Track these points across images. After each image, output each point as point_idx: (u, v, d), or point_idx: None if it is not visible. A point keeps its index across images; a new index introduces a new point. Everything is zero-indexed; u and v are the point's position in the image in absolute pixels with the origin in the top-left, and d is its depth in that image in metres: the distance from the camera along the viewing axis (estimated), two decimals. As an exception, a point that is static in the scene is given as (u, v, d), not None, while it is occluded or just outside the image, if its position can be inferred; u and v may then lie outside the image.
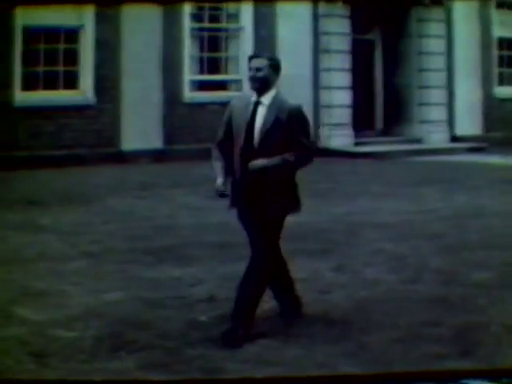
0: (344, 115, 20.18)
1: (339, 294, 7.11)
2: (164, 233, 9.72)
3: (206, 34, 18.84)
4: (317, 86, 19.98)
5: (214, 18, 18.98)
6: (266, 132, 5.96)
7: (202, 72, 18.83)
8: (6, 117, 15.85)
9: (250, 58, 6.14)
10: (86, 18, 17.04)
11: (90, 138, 17.11)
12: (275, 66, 6.09)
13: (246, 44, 19.04)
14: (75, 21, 16.90)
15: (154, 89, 17.80)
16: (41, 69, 16.64)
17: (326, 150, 18.35)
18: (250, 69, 6.06)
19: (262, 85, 6.03)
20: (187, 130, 18.12)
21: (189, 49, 18.52)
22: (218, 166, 6.12)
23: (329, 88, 19.98)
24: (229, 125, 6.11)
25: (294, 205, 6.11)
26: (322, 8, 19.89)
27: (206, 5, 18.78)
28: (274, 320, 6.28)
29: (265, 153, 5.91)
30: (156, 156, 17.59)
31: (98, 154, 16.77)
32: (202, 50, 18.84)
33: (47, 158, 15.99)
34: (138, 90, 17.59)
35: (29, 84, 16.57)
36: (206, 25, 18.82)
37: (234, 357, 5.57)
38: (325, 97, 20.02)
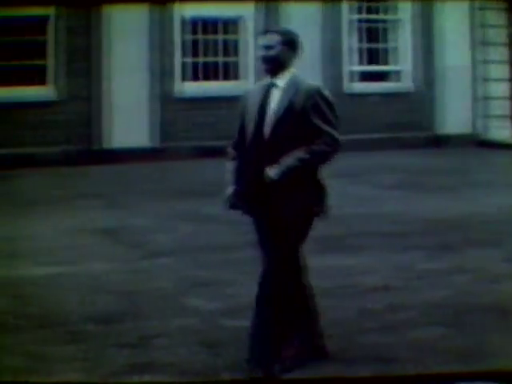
0: (503, 107, 19.64)
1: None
2: (332, 222, 9.55)
3: (364, 25, 18.58)
4: (475, 77, 19.55)
5: (373, 10, 18.66)
6: (279, 120, 4.99)
7: (361, 63, 18.62)
8: (168, 107, 15.97)
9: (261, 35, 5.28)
10: (245, 10, 17.00)
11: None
12: (290, 42, 5.13)
13: (404, 35, 18.69)
14: (235, 12, 16.89)
15: (315, 79, 17.61)
16: (201, 59, 16.74)
17: (484, 142, 17.98)
18: (260, 47, 5.17)
19: (274, 65, 5.08)
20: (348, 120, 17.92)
21: (349, 40, 18.33)
22: (231, 171, 5.13)
23: (487, 80, 19.48)
24: (243, 117, 5.16)
25: (317, 206, 5.09)
26: (479, 1, 19.43)
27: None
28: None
29: (277, 147, 4.92)
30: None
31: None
32: (361, 41, 18.64)
33: (207, 148, 15.95)
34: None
35: (189, 74, 16.69)
36: (365, 16, 18.57)
37: (408, 345, 5.41)
38: (483, 89, 19.51)
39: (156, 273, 7.25)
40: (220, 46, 17.01)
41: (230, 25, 17.02)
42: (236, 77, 17.05)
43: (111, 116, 14.80)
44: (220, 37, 16.99)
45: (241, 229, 8.23)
